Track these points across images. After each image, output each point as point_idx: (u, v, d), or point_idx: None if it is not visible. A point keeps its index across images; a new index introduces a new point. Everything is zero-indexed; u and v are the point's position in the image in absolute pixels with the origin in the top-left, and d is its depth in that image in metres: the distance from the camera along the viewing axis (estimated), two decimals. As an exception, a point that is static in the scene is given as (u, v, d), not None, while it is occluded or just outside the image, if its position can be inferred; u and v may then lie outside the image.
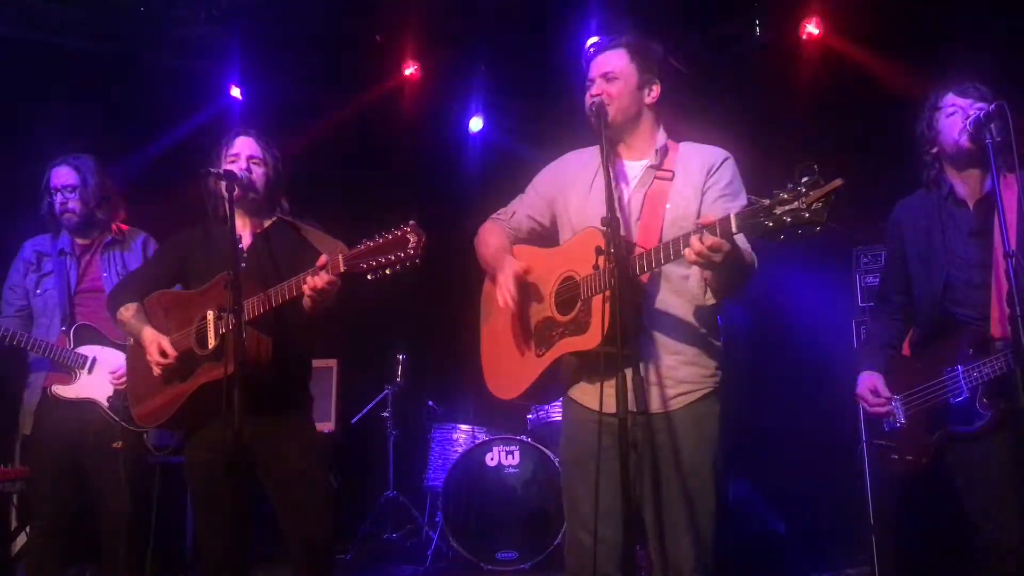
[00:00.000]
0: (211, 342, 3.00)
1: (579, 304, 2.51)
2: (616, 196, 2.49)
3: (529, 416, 5.45)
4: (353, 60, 6.50)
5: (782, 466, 5.29)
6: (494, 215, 2.95)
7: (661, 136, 2.69)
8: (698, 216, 2.46)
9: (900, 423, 3.07)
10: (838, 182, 2.03)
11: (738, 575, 4.48)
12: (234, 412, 2.68)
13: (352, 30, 6.24)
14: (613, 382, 2.29)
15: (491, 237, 2.85)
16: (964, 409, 2.90)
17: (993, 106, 2.79)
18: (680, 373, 2.54)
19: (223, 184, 2.98)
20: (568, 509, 2.65)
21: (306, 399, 3.23)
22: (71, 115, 5.28)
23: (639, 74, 2.65)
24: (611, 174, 2.46)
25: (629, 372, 2.33)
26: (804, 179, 2.06)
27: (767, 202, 2.09)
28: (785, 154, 5.63)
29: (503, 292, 2.61)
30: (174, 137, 5.91)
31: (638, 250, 2.45)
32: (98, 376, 3.70)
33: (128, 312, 3.21)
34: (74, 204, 3.79)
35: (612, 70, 2.65)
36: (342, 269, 2.77)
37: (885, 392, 3.08)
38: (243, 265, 2.96)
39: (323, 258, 2.81)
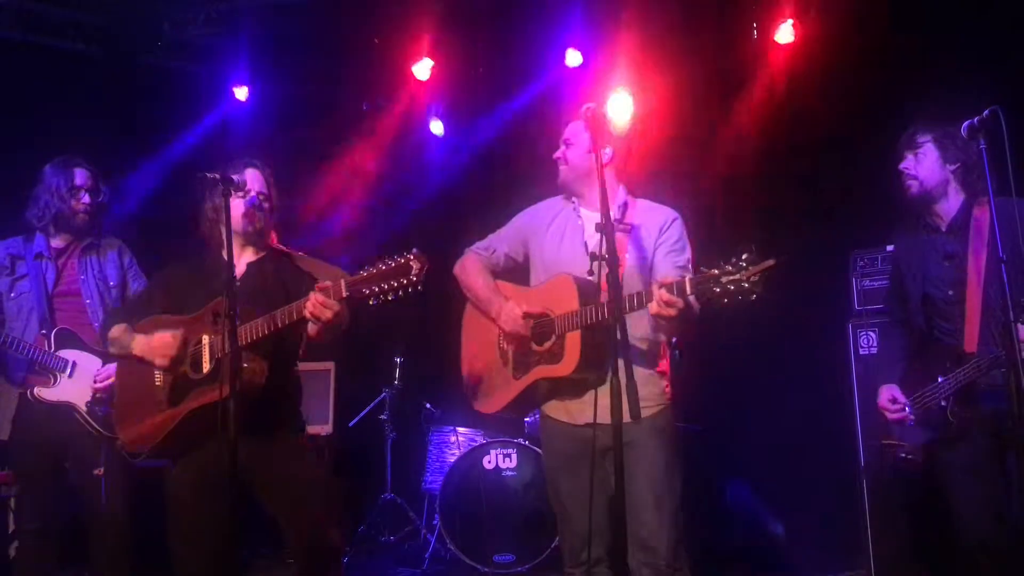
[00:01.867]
0: (206, 366, 2.97)
1: (553, 338, 2.92)
2: (584, 242, 3.00)
3: (527, 419, 5.44)
4: (354, 62, 6.50)
5: (781, 469, 5.29)
6: (473, 248, 3.28)
7: (621, 193, 3.08)
8: (650, 268, 2.97)
9: (910, 421, 3.32)
10: (771, 262, 2.37)
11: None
12: (230, 436, 2.63)
13: (353, 32, 6.23)
14: (585, 398, 2.86)
15: (475, 273, 3.21)
16: (941, 416, 3.24)
17: (987, 113, 2.85)
18: (642, 392, 2.74)
19: (218, 199, 2.94)
20: (554, 507, 3.09)
21: (297, 415, 3.21)
22: (70, 118, 5.27)
23: (590, 141, 2.93)
24: (582, 218, 3.02)
25: (599, 390, 2.64)
26: (744, 256, 2.40)
27: (716, 272, 2.44)
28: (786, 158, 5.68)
29: (516, 327, 2.99)
30: (175, 142, 5.91)
31: (604, 296, 2.74)
32: (78, 381, 3.68)
33: (117, 331, 3.17)
34: (91, 206, 3.84)
35: (569, 137, 3.11)
36: (344, 294, 2.74)
37: (902, 399, 3.35)
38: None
39: (326, 283, 2.76)
